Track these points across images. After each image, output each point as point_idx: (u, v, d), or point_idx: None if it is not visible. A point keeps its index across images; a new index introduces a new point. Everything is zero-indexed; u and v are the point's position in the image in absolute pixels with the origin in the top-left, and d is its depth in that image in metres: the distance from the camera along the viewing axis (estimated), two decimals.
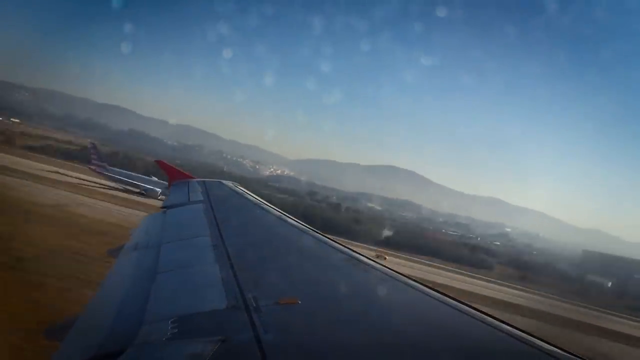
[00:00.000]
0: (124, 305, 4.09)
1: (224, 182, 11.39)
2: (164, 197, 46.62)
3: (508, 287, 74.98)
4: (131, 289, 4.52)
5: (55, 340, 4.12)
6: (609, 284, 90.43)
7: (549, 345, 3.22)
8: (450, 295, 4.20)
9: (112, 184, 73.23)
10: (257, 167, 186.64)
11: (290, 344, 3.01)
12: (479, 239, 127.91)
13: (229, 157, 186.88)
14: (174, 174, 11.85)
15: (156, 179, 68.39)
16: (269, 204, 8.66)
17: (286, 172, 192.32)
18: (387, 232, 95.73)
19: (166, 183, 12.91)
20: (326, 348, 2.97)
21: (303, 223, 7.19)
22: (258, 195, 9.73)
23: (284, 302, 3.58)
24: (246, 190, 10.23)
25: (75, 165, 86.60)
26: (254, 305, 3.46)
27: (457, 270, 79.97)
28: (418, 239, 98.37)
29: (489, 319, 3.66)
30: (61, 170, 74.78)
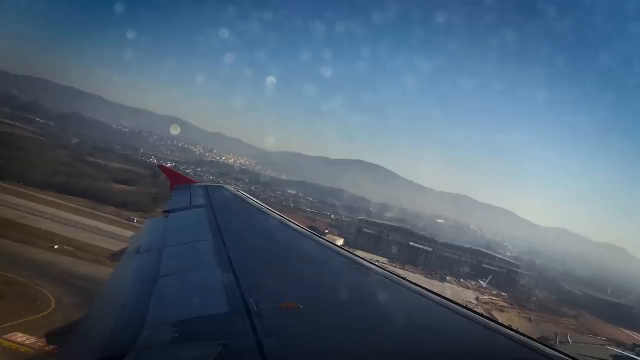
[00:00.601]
0: (125, 309, 4.06)
1: (225, 186, 11.40)
2: None
3: None
4: (133, 293, 4.48)
5: (56, 344, 4.21)
6: None
7: (546, 348, 3.23)
8: (451, 299, 4.19)
9: None
10: (209, 154, 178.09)
11: (292, 348, 3.03)
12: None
13: (180, 144, 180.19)
14: (176, 178, 11.82)
15: None
16: (271, 209, 8.58)
17: (246, 161, 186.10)
18: None
19: None
20: (327, 352, 2.97)
21: (304, 227, 7.17)
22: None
23: (285, 307, 3.58)
24: (248, 195, 10.14)
25: None
26: (256, 309, 3.47)
27: None
28: None
29: (490, 322, 3.65)
30: None
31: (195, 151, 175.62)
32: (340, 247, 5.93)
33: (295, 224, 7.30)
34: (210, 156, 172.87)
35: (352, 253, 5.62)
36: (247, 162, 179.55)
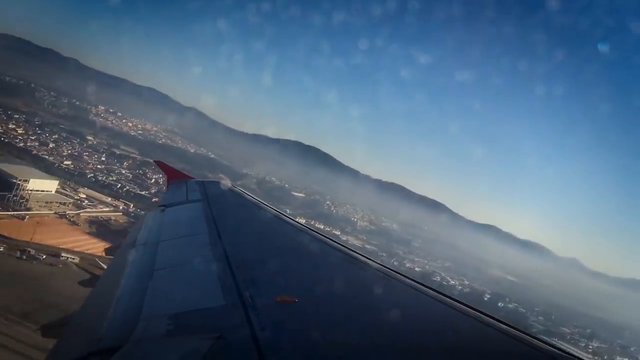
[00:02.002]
0: (121, 302, 4.03)
1: (222, 182, 11.28)
2: None
3: None
4: (128, 286, 4.45)
5: (52, 337, 4.24)
6: None
7: (543, 344, 3.22)
8: (448, 294, 4.16)
9: None
10: (112, 118, 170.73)
11: (287, 342, 3.02)
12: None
13: (77, 102, 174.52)
14: (172, 173, 11.73)
15: None
16: (267, 204, 8.57)
17: (154, 128, 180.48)
18: None
19: None
20: (323, 347, 2.96)
21: (300, 222, 7.13)
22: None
23: (280, 301, 3.57)
24: (244, 190, 10.15)
25: None
26: (251, 303, 3.47)
27: None
28: None
29: (486, 317, 3.63)
30: None
31: (90, 110, 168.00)
32: (337, 242, 5.90)
33: (291, 219, 7.35)
34: (112, 120, 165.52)
35: (348, 248, 5.60)
36: (154, 129, 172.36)
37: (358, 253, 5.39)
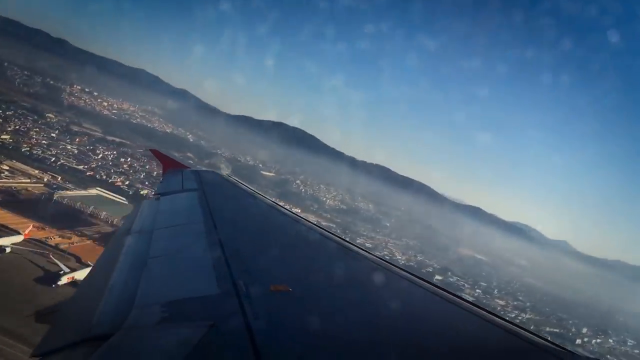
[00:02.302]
0: (114, 289, 4.04)
1: (217, 172, 11.43)
2: None
3: None
4: (122, 273, 4.45)
5: (45, 323, 4.17)
6: None
7: (542, 341, 3.25)
8: (442, 286, 4.20)
9: None
10: (86, 97, 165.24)
11: (280, 331, 3.04)
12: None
13: (52, 81, 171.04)
14: (168, 162, 11.73)
15: None
16: (262, 194, 8.61)
17: (131, 108, 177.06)
18: None
19: None
20: (316, 336, 2.99)
21: (296, 212, 7.24)
22: None
23: (275, 290, 3.59)
24: (240, 180, 10.16)
25: None
26: (245, 292, 3.47)
27: None
28: None
29: (476, 309, 3.68)
30: None
31: (65, 90, 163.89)
32: (332, 233, 5.91)
33: (286, 209, 7.38)
34: (85, 99, 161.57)
35: (342, 238, 5.65)
36: (132, 109, 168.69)
37: (352, 244, 5.44)
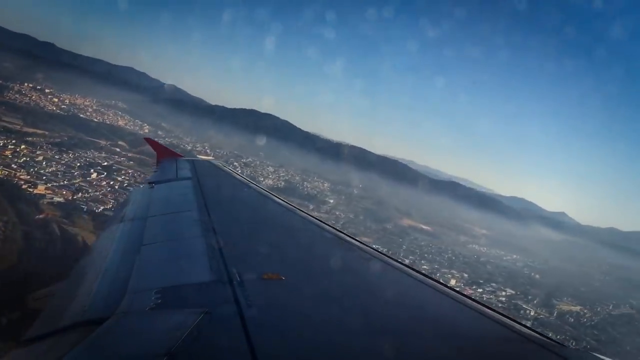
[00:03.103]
0: (108, 275, 4.10)
1: (212, 161, 11.95)
2: None
3: None
4: (115, 260, 4.51)
5: (40, 307, 4.24)
6: None
7: (528, 330, 3.35)
8: (435, 277, 4.38)
9: None
10: (33, 93, 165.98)
11: (272, 318, 3.09)
12: None
13: None
14: (162, 151, 11.96)
15: None
16: (256, 183, 8.87)
17: (88, 102, 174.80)
18: None
19: None
20: (307, 324, 3.07)
21: (289, 202, 7.28)
22: None
23: (267, 278, 3.65)
24: (233, 170, 10.81)
25: None
26: (238, 279, 3.53)
27: None
28: None
29: (469, 301, 3.77)
30: None
31: (11, 88, 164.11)
32: (325, 223, 6.01)
33: (280, 198, 7.46)
34: (31, 95, 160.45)
35: (336, 228, 5.74)
36: (87, 103, 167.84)
37: (345, 234, 5.49)
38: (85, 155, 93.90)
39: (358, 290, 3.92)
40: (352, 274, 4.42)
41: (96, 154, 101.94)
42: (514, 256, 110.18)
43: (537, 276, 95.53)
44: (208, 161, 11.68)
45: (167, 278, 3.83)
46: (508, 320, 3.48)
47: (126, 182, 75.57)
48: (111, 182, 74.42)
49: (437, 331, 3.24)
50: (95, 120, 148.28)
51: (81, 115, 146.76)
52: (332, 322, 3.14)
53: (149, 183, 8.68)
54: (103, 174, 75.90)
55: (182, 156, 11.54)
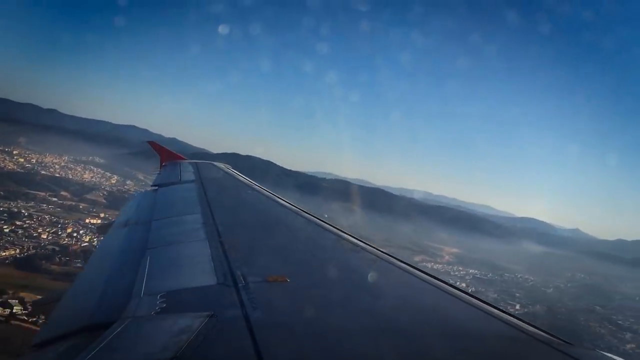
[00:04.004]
0: (112, 279, 4.12)
1: (215, 163, 11.49)
2: None
3: None
4: (120, 264, 4.54)
5: (45, 311, 4.29)
6: None
7: (543, 333, 3.29)
8: (444, 279, 4.26)
9: None
10: None
11: (278, 321, 3.07)
12: None
13: None
14: (166, 155, 12.01)
15: None
16: (260, 185, 8.66)
17: None
18: None
19: None
20: (313, 326, 3.02)
21: (293, 204, 7.19)
22: None
23: (272, 280, 3.63)
24: (237, 172, 10.32)
25: None
26: (243, 282, 3.51)
27: None
28: None
29: (476, 301, 3.72)
30: None
31: None
32: (330, 224, 5.95)
33: (284, 200, 7.40)
34: None
35: (341, 230, 5.69)
36: (56, 161, 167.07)
37: (351, 235, 5.42)
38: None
39: (364, 291, 3.84)
40: (358, 276, 4.32)
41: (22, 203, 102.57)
42: (471, 270, 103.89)
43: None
44: (211, 163, 11.40)
45: (172, 282, 3.79)
46: (516, 320, 3.41)
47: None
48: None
49: (446, 333, 3.16)
50: (45, 174, 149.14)
51: (42, 172, 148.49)
52: (338, 325, 3.07)
53: (153, 186, 8.57)
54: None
55: (185, 159, 11.41)
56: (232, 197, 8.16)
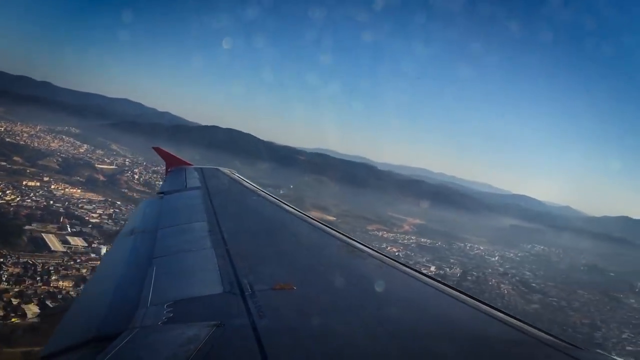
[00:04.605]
0: (119, 289, 4.13)
1: (221, 169, 11.47)
2: None
3: None
4: (127, 273, 4.55)
5: (52, 323, 4.30)
6: None
7: (539, 332, 3.29)
8: (450, 284, 4.22)
9: None
10: None
11: (285, 329, 3.06)
12: None
13: None
14: (171, 160, 11.89)
15: None
16: (266, 191, 8.62)
17: None
18: None
19: None
20: (320, 334, 3.01)
21: (300, 210, 7.15)
22: None
23: (279, 288, 3.64)
24: (243, 178, 10.27)
25: None
26: (249, 290, 3.52)
27: None
28: None
29: (482, 305, 3.70)
30: None
31: None
32: (337, 231, 5.94)
33: (291, 206, 7.38)
34: None
35: (348, 236, 5.68)
36: (26, 130, 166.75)
37: (358, 242, 5.38)
38: None
39: (371, 299, 3.80)
40: (365, 283, 4.30)
41: None
42: (423, 239, 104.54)
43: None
44: (217, 169, 11.33)
45: (178, 291, 3.80)
46: (520, 323, 3.41)
47: None
48: None
49: (453, 339, 3.15)
50: (11, 141, 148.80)
51: (7, 140, 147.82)
52: (346, 332, 3.05)
53: (159, 193, 8.52)
54: None
55: (191, 165, 11.34)
56: (238, 203, 8.12)
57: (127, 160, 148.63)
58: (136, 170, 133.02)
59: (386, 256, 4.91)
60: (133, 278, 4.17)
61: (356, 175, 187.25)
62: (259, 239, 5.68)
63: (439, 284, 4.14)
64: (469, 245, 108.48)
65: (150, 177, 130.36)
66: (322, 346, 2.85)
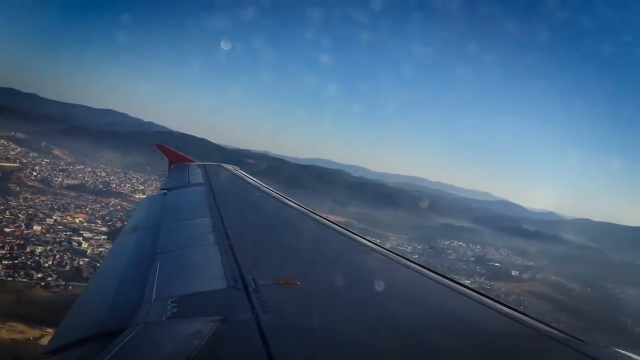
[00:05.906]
0: (123, 285, 4.15)
1: (223, 165, 11.47)
2: None
3: None
4: (131, 269, 4.58)
5: (57, 319, 4.28)
6: None
7: (545, 326, 3.29)
8: (452, 278, 4.23)
9: None
10: None
11: (288, 324, 3.07)
12: None
13: None
14: (174, 157, 11.88)
15: None
16: (269, 187, 8.63)
17: None
18: None
19: None
20: (324, 329, 3.02)
21: (303, 206, 7.15)
22: None
23: (282, 283, 3.63)
24: (246, 174, 10.28)
25: None
26: (253, 285, 3.52)
27: None
28: None
29: (487, 300, 3.70)
30: None
31: None
32: (340, 226, 5.92)
33: (294, 202, 7.37)
34: None
35: (352, 232, 5.66)
36: None
37: (361, 236, 5.38)
38: None
39: (375, 293, 3.76)
40: (368, 277, 4.29)
41: None
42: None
43: None
44: (220, 165, 11.24)
45: (182, 286, 3.80)
46: (528, 318, 3.40)
47: None
48: None
49: (458, 333, 3.14)
50: None
51: None
52: (350, 327, 3.06)
53: (162, 190, 8.56)
54: None
55: (194, 161, 11.20)
56: (241, 199, 8.13)
57: (44, 160, 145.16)
58: (36, 167, 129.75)
59: (390, 251, 4.87)
60: (137, 274, 4.17)
61: (301, 178, 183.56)
62: (263, 234, 5.65)
63: (443, 279, 4.10)
64: (393, 239, 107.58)
65: (50, 174, 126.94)
66: (326, 341, 2.84)
